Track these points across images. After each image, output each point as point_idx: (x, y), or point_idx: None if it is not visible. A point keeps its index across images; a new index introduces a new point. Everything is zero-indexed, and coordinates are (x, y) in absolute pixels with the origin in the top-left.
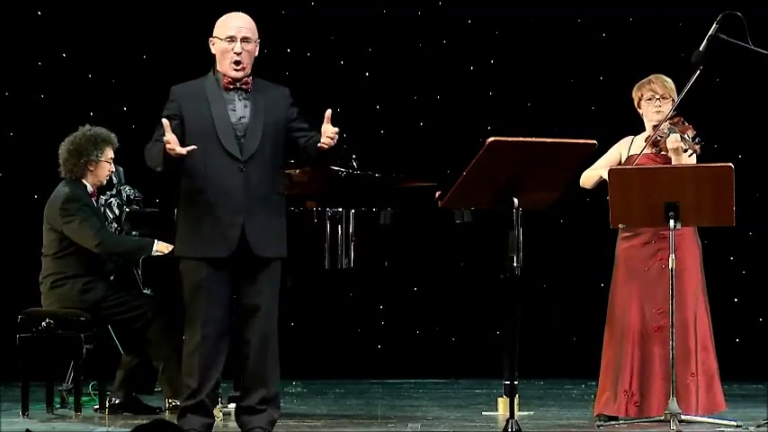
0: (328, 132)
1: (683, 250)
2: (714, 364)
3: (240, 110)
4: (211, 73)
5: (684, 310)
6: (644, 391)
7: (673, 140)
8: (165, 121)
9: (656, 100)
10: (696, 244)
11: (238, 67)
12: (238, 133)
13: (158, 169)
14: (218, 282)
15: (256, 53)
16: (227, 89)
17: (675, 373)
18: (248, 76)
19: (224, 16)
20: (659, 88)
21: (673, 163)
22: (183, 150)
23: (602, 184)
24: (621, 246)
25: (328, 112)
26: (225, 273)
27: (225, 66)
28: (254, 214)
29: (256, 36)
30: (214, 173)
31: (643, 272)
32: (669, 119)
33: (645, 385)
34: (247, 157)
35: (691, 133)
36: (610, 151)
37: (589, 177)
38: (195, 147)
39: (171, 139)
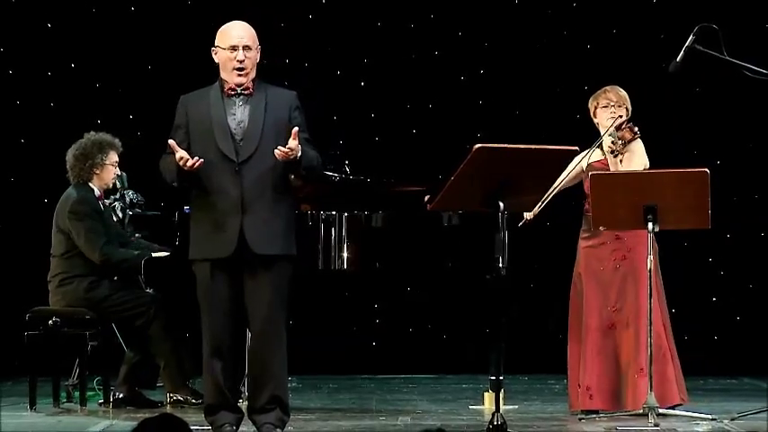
0: (286, 146)
1: (639, 251)
2: (666, 359)
3: (240, 114)
4: (217, 82)
5: (639, 309)
6: (601, 386)
7: (607, 142)
8: (171, 142)
9: (611, 107)
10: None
11: (242, 73)
12: (237, 137)
13: (174, 184)
14: (222, 282)
15: (258, 59)
16: (229, 95)
17: (623, 369)
18: (251, 82)
19: (224, 26)
20: (614, 96)
21: (609, 164)
22: (197, 162)
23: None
24: (582, 245)
25: (294, 130)
26: (228, 272)
27: (228, 73)
28: (253, 213)
29: (257, 43)
30: (213, 175)
31: (599, 271)
32: (618, 125)
33: (600, 380)
34: (244, 158)
35: (628, 135)
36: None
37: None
38: (203, 159)
39: (183, 156)
